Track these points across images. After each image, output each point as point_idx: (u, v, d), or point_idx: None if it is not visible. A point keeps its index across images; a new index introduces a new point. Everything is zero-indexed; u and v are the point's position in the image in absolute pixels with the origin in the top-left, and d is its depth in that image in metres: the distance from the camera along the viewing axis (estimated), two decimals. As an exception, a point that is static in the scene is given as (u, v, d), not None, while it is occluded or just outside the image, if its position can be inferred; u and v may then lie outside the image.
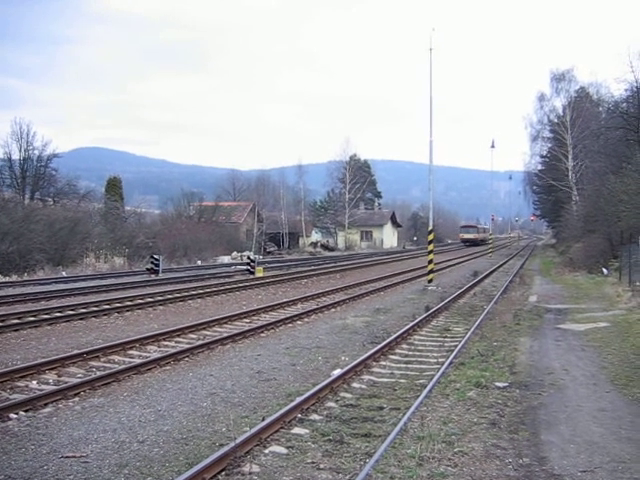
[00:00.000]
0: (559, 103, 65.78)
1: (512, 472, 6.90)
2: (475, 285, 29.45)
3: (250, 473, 6.83)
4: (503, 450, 7.57)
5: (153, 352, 13.44)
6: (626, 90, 45.68)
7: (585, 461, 7.26)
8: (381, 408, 9.37)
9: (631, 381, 11.12)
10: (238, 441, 7.31)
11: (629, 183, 32.63)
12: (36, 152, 54.68)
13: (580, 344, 14.88)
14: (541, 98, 67.14)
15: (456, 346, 13.89)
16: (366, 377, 11.43)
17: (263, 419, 8.36)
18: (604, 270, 32.91)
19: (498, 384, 10.71)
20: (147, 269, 35.13)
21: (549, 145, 70.11)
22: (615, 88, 67.66)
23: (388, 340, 14.18)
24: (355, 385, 10.85)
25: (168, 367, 12.13)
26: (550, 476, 6.80)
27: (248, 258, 40.16)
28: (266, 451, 7.50)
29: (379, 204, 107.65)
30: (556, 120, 65.76)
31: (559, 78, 64.24)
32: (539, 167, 74.37)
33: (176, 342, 14.66)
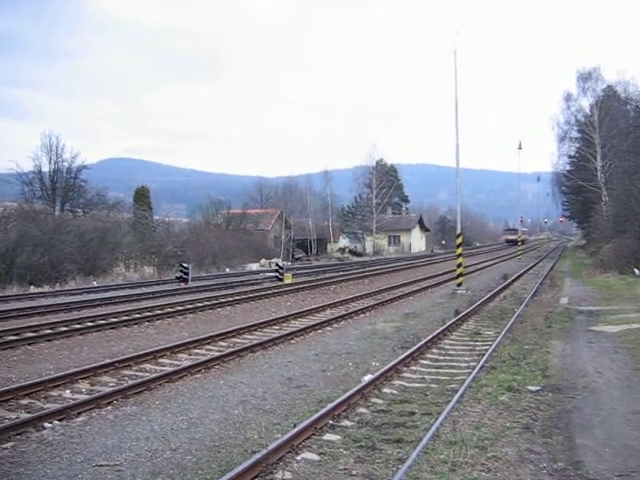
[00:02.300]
0: (586, 103, 65.18)
1: (547, 477, 6.83)
2: (505, 288, 29.23)
3: (283, 480, 6.84)
4: (537, 455, 7.49)
5: (184, 360, 13.51)
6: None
7: (621, 465, 7.16)
8: (413, 413, 9.33)
9: (666, 383, 10.96)
10: (270, 448, 7.32)
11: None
12: (65, 164, 55.34)
13: (613, 346, 14.69)
14: (567, 98, 66.58)
15: (487, 350, 13.80)
16: (397, 382, 11.39)
17: (294, 426, 8.36)
18: (636, 271, 32.51)
19: (530, 388, 10.61)
20: (176, 277, 35.35)
21: (577, 145, 69.45)
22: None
23: (418, 345, 14.12)
24: (386, 390, 10.81)
25: (199, 375, 12.19)
26: (586, 480, 6.72)
27: (276, 265, 40.25)
28: (298, 458, 7.50)
29: (406, 208, 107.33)
30: (583, 120, 65.12)
31: (585, 77, 63.67)
32: (567, 168, 73.63)
33: (207, 350, 14.72)
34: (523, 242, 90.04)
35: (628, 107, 59.43)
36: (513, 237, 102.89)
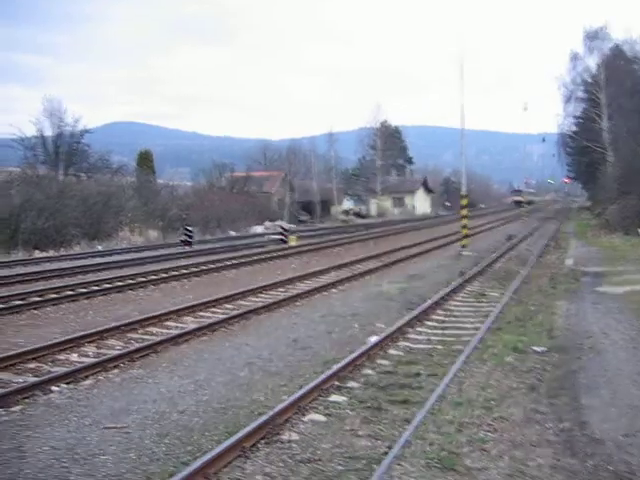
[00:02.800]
0: (593, 62, 64.35)
1: (553, 437, 6.86)
2: (510, 249, 29.19)
3: (289, 441, 6.87)
4: (543, 415, 7.51)
5: (190, 323, 13.54)
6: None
7: (627, 425, 7.18)
8: (418, 374, 9.35)
9: (672, 343, 10.96)
10: (277, 409, 7.35)
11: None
12: (68, 128, 54.96)
13: (618, 307, 14.69)
14: (574, 58, 65.72)
15: (492, 311, 13.80)
16: (402, 344, 11.41)
17: (301, 387, 8.39)
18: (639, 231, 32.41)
19: (536, 348, 10.62)
20: (181, 241, 35.34)
21: (583, 106, 68.72)
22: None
23: (424, 306, 14.14)
24: (392, 352, 10.83)
25: (205, 337, 12.22)
26: (591, 440, 6.74)
27: (281, 227, 40.23)
28: (305, 419, 7.53)
29: (411, 170, 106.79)
30: (590, 80, 64.39)
31: (592, 36, 62.79)
32: (573, 128, 72.93)
33: (212, 312, 14.74)
34: (529, 203, 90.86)
35: (635, 66, 58.76)
36: (519, 198, 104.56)
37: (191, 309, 14.73)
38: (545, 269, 21.64)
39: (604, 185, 52.96)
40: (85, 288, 18.47)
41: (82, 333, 12.09)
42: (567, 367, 9.61)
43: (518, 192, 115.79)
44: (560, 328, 12.36)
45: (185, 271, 22.51)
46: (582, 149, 67.65)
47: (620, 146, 51.16)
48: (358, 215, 78.62)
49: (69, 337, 11.79)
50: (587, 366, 9.67)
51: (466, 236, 29.70)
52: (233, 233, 48.20)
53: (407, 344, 11.40)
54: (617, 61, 60.62)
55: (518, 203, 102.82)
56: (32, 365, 10.28)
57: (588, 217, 62.19)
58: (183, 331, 12.32)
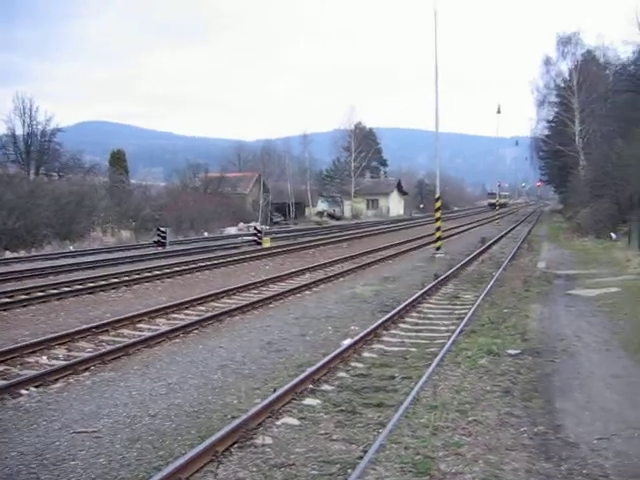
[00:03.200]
0: (565, 67, 64.95)
1: (527, 440, 6.85)
2: (483, 252, 29.33)
3: (263, 445, 6.79)
4: (517, 418, 7.51)
5: (162, 325, 13.39)
6: (633, 52, 45.22)
7: (601, 428, 7.20)
8: (393, 377, 9.32)
9: (644, 346, 11.03)
10: (250, 413, 7.27)
11: (637, 147, 32.34)
12: (39, 127, 54.48)
13: (591, 310, 14.79)
14: (547, 62, 66.31)
15: (466, 313, 13.82)
16: (377, 346, 11.37)
17: (274, 390, 8.31)
18: (612, 235, 32.70)
19: (510, 351, 10.64)
20: (154, 242, 35.10)
21: (555, 110, 69.35)
22: (622, 51, 66.79)
23: (398, 308, 14.11)
24: (366, 354, 10.79)
25: (177, 340, 12.10)
26: (566, 444, 6.74)
27: (255, 229, 40.10)
28: (278, 423, 7.46)
29: (385, 172, 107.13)
30: (562, 84, 64.99)
31: (565, 41, 63.38)
32: (546, 132, 73.60)
33: (185, 314, 14.61)
34: (502, 206, 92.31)
35: (607, 72, 59.40)
36: (494, 200, 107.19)
37: (164, 311, 14.58)
38: (518, 272, 21.73)
39: (576, 188, 53.48)
40: (56, 289, 18.24)
41: (52, 335, 11.92)
42: (541, 370, 9.63)
43: (493, 195, 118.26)
44: (534, 331, 12.40)
45: (158, 272, 22.32)
46: (554, 153, 68.31)
47: (592, 150, 51.70)
48: (332, 217, 78.71)
49: (39, 339, 11.61)
50: (561, 369, 9.70)
51: (440, 238, 29.77)
52: (207, 234, 47.97)
53: (381, 347, 11.36)
54: (589, 66, 61.25)
55: (492, 205, 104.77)
56: (0, 368, 10.09)
57: (560, 220, 62.78)
58: (155, 333, 12.19)
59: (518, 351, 10.67)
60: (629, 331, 12.32)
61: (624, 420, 7.48)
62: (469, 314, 13.70)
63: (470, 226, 56.03)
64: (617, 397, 8.35)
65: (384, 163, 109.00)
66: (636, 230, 26.68)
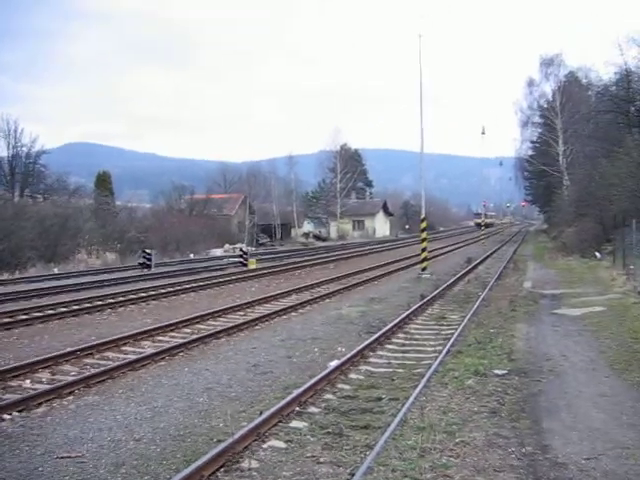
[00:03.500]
0: (548, 88, 65.66)
1: (515, 461, 6.81)
2: (469, 272, 29.38)
3: (249, 469, 6.72)
4: (505, 439, 7.48)
5: (147, 348, 13.30)
6: (615, 73, 45.66)
7: (588, 448, 7.18)
8: (380, 399, 9.27)
9: (630, 365, 11.05)
10: (236, 437, 7.20)
11: (620, 166, 32.59)
12: (24, 149, 54.38)
13: (577, 329, 14.82)
14: (530, 83, 67.04)
15: (453, 334, 13.80)
16: (363, 368, 11.32)
17: (261, 413, 8.24)
18: (597, 254, 32.88)
19: (497, 372, 10.62)
20: (139, 264, 34.94)
21: (539, 130, 69.99)
22: (604, 72, 67.46)
23: (384, 329, 14.08)
24: (352, 376, 10.74)
25: (163, 362, 12.00)
26: (554, 464, 6.72)
27: (240, 250, 40.02)
28: (265, 446, 7.39)
29: (370, 193, 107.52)
30: (546, 105, 65.64)
31: (548, 63, 64.09)
32: (530, 153, 74.24)
33: (170, 337, 14.51)
34: (488, 226, 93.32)
35: (589, 93, 59.96)
36: (480, 220, 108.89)
37: (149, 333, 14.49)
38: (504, 292, 21.78)
39: (560, 208, 53.84)
40: (40, 312, 18.09)
41: (36, 358, 11.80)
42: (528, 390, 9.61)
43: (479, 215, 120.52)
44: (520, 351, 12.40)
45: (143, 294, 22.19)
46: (539, 173, 68.83)
47: (576, 170, 52.08)
48: (318, 238, 78.75)
49: (22, 362, 11.49)
50: (547, 389, 9.69)
51: (425, 259, 29.82)
52: (192, 256, 47.80)
53: (368, 368, 11.32)
54: (572, 87, 61.91)
55: (479, 225, 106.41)
56: (-17, 392, 9.97)
57: (545, 240, 63.10)
58: (141, 356, 12.09)
59: (505, 371, 10.66)
60: (615, 350, 12.34)
61: (611, 439, 7.47)
62: (455, 334, 13.69)
63: (456, 246, 56.17)
64: (604, 416, 8.34)
65: (370, 184, 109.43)
66: (620, 249, 26.82)
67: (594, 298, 19.54)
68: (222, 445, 6.97)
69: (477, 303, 18.47)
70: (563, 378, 10.38)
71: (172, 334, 14.81)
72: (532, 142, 73.61)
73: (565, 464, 6.70)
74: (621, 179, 31.41)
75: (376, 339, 13.13)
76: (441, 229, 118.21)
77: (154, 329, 14.83)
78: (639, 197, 29.34)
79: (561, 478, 6.38)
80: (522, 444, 7.30)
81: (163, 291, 23.21)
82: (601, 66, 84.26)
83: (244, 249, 40.45)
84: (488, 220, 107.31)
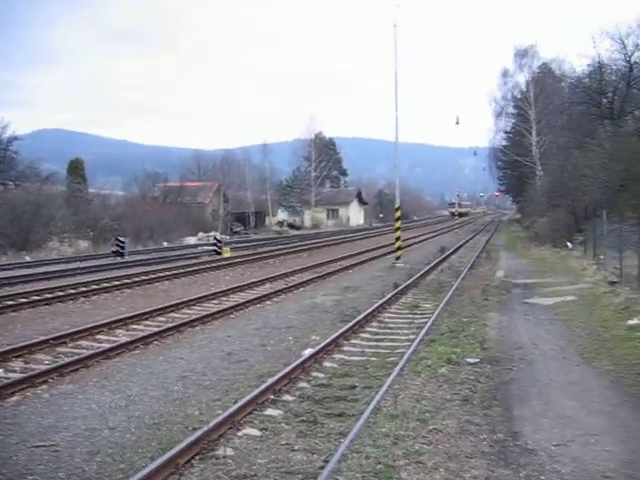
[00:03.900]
0: (522, 79, 66.04)
1: (487, 448, 6.93)
2: (442, 261, 29.58)
3: (224, 457, 6.76)
4: (477, 426, 7.60)
5: (122, 336, 13.27)
6: (588, 65, 46.12)
7: (558, 435, 7.32)
8: (354, 387, 9.35)
9: (599, 354, 11.24)
10: (211, 425, 7.24)
11: (592, 158, 32.95)
12: (-5, 135, 53.60)
13: (548, 318, 15.02)
14: (505, 74, 67.39)
15: (426, 323, 13.93)
16: (337, 356, 11.40)
17: (235, 401, 8.29)
18: (569, 244, 33.23)
19: (469, 360, 10.75)
20: (113, 252, 34.73)
21: (513, 121, 70.41)
22: (577, 64, 68.24)
23: (358, 318, 14.17)
24: (327, 364, 10.81)
25: (137, 351, 11.99)
26: (524, 451, 6.85)
27: (215, 238, 39.92)
28: (240, 434, 7.44)
29: (345, 182, 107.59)
30: (520, 96, 66.04)
31: (522, 54, 64.42)
32: (503, 143, 74.69)
33: (145, 325, 14.48)
34: (462, 215, 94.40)
35: (563, 84, 60.42)
36: (454, 210, 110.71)
37: (123, 322, 14.45)
38: (477, 281, 21.98)
39: (533, 198, 54.28)
40: (12, 300, 17.94)
41: (9, 347, 11.72)
42: (499, 378, 9.76)
43: (453, 204, 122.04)
44: (492, 339, 12.55)
45: (117, 283, 22.10)
46: (512, 163, 69.32)
47: (549, 161, 52.53)
48: (292, 226, 78.78)
49: (-5, 352, 11.41)
50: (519, 377, 9.84)
51: (399, 248, 29.97)
52: (166, 244, 47.62)
53: (342, 356, 11.40)
54: (545, 79, 62.34)
55: (453, 214, 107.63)
56: (-45, 381, 9.90)
57: (518, 229, 63.64)
58: (115, 344, 12.07)
59: (477, 360, 10.80)
60: (585, 339, 12.54)
61: (581, 426, 7.61)
62: (429, 323, 13.82)
63: (430, 235, 56.49)
64: (574, 404, 8.49)
65: (344, 173, 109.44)
66: (591, 239, 27.15)
67: (565, 288, 19.79)
68: (197, 433, 7.01)
69: (450, 292, 18.63)
70: (534, 366, 10.54)
71: (146, 323, 14.78)
72: (506, 132, 74.07)
73: (535, 450, 6.83)
74: (593, 170, 31.77)
75: (350, 328, 13.21)
76: (415, 218, 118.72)
77: (128, 317, 14.80)
78: (610, 188, 29.72)
79: (531, 464, 6.50)
80: (493, 431, 7.42)
81: (137, 279, 23.13)
82: (575, 58, 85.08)
83: (218, 237, 40.35)
84: (462, 209, 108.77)
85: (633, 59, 42.02)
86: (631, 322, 13.45)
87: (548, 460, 6.61)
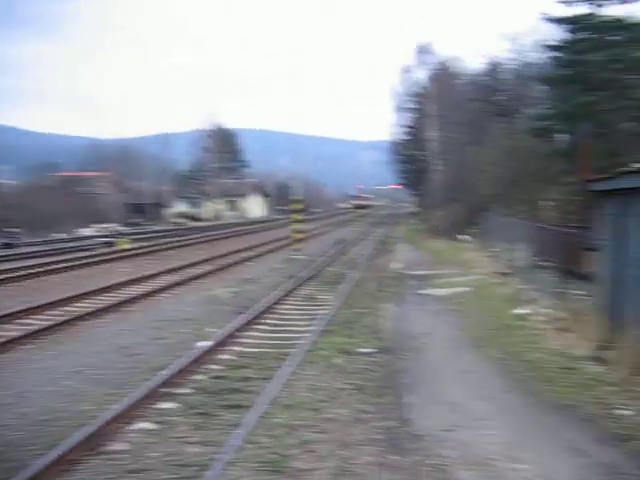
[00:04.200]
0: (423, 75, 67.39)
1: (378, 435, 7.13)
2: (342, 253, 29.93)
3: (118, 451, 6.70)
4: (369, 414, 7.80)
5: (12, 331, 12.84)
6: (484, 64, 47.59)
7: (447, 421, 7.60)
8: (250, 379, 9.40)
9: (489, 342, 11.70)
10: (105, 419, 7.16)
11: (487, 154, 34.02)
12: None
13: (442, 309, 15.48)
14: (406, 70, 68.58)
15: (323, 314, 14.10)
16: (234, 348, 11.40)
17: (130, 396, 8.20)
18: (464, 237, 34.20)
19: (363, 350, 10.98)
20: (3, 244, 33.52)
21: (413, 116, 71.74)
22: (475, 62, 70.04)
23: (256, 310, 14.21)
24: (223, 357, 10.80)
25: (28, 346, 11.65)
26: (413, 437, 7.09)
27: (111, 230, 39.10)
28: (134, 428, 7.38)
29: (246, 173, 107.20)
30: (420, 91, 67.35)
31: (423, 50, 65.59)
32: (404, 137, 76.02)
33: (35, 319, 14.05)
34: (363, 208, 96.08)
35: (461, 81, 62.02)
36: (357, 202, 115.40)
37: (13, 316, 13.99)
38: (374, 272, 22.35)
39: (431, 192, 55.54)
40: None
41: None
42: (392, 367, 10.02)
43: (354, 197, 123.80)
44: (387, 330, 12.85)
45: (7, 275, 21.33)
46: (412, 157, 70.64)
47: (447, 156, 53.85)
48: (191, 218, 77.83)
49: None
50: (411, 366, 10.13)
51: (299, 240, 30.14)
52: (61, 235, 46.24)
53: (238, 348, 11.41)
54: (444, 76, 63.79)
55: (353, 207, 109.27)
56: None
57: (417, 222, 64.94)
58: (4, 340, 11.69)
59: (371, 350, 11.04)
60: (476, 328, 13.00)
61: (469, 412, 7.94)
62: (325, 314, 14.00)
63: (330, 228, 56.96)
64: (464, 391, 8.83)
65: (245, 164, 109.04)
66: (484, 232, 28.09)
67: (459, 279, 20.39)
68: (90, 428, 6.92)
69: (348, 284, 18.91)
70: (427, 355, 10.88)
71: (38, 317, 14.35)
72: (406, 127, 75.43)
73: (423, 436, 7.09)
74: (487, 166, 32.81)
75: (247, 320, 13.24)
76: (316, 210, 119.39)
77: (18, 311, 14.34)
78: (503, 183, 30.78)
79: (420, 449, 6.75)
80: (385, 419, 7.64)
81: (31, 271, 22.38)
82: (472, 56, 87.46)
83: (115, 229, 39.53)
84: (362, 202, 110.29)
85: (526, 59, 43.59)
86: (517, 311, 14.06)
87: (436, 445, 6.87)
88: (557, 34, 29.27)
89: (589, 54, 26.76)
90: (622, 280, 10.73)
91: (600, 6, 27.30)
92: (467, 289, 18.20)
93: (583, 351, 10.37)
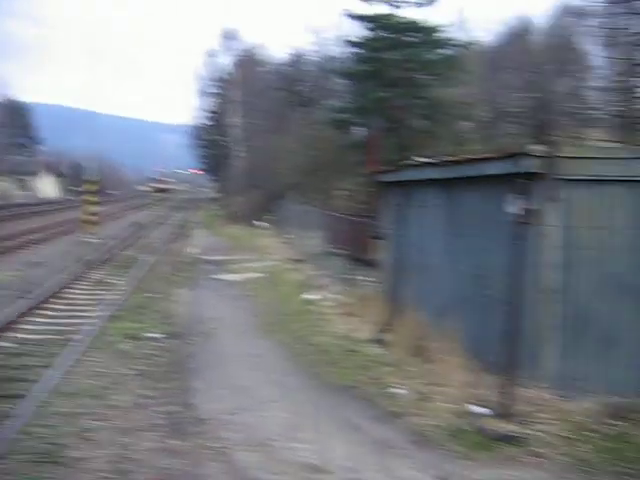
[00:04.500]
0: (228, 60, 67.23)
1: (160, 420, 7.10)
2: (138, 237, 29.27)
3: None
4: (153, 400, 7.74)
5: None
6: (289, 55, 48.39)
7: (232, 404, 7.71)
8: (29, 366, 8.94)
9: (279, 327, 11.96)
10: None
11: (287, 142, 34.66)
12: None
13: (235, 294, 15.62)
14: (211, 54, 68.10)
15: (113, 299, 13.74)
16: (14, 335, 10.77)
17: None
18: (262, 223, 34.63)
19: (153, 335, 10.84)
20: None
21: (217, 101, 71.45)
22: (281, 51, 70.90)
23: (41, 295, 13.55)
24: (2, 344, 10.19)
25: None
26: (197, 421, 7.13)
27: None
28: None
29: (39, 151, 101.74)
30: (224, 77, 67.18)
31: (229, 36, 65.49)
32: (207, 122, 75.54)
33: None
34: (163, 191, 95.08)
35: (265, 69, 62.59)
36: (157, 185, 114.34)
37: None
38: (170, 257, 22.05)
39: (233, 178, 55.72)
40: None
41: None
42: (181, 352, 9.98)
43: (154, 180, 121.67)
44: (178, 315, 12.76)
45: None
46: (214, 142, 70.41)
47: (249, 143, 54.20)
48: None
49: None
50: (200, 351, 10.14)
51: (93, 223, 29.08)
52: None
53: (19, 335, 10.79)
54: (249, 62, 64.07)
55: (153, 190, 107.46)
56: None
57: (217, 208, 64.91)
58: None
59: (161, 335, 10.91)
60: (267, 314, 13.25)
61: (255, 396, 8.09)
62: (116, 299, 13.65)
63: (128, 211, 55.49)
64: (251, 375, 8.98)
65: (37, 141, 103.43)
66: (281, 219, 28.63)
67: (255, 265, 20.61)
68: None
69: (142, 268, 18.54)
70: (216, 340, 10.93)
71: None
72: (210, 111, 74.96)
73: (206, 420, 7.14)
74: (287, 154, 33.42)
75: (31, 305, 12.59)
76: (114, 193, 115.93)
77: None
78: (301, 172, 31.53)
79: (202, 433, 6.79)
80: (168, 403, 7.60)
81: None
82: (278, 46, 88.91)
83: None
84: (163, 186, 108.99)
85: (329, 53, 44.82)
86: (307, 297, 14.49)
87: (219, 428, 6.95)
88: (359, 31, 30.29)
89: (386, 52, 28.02)
90: (403, 267, 11.37)
91: (398, 7, 28.63)
92: (261, 275, 18.45)
93: (366, 334, 10.88)
